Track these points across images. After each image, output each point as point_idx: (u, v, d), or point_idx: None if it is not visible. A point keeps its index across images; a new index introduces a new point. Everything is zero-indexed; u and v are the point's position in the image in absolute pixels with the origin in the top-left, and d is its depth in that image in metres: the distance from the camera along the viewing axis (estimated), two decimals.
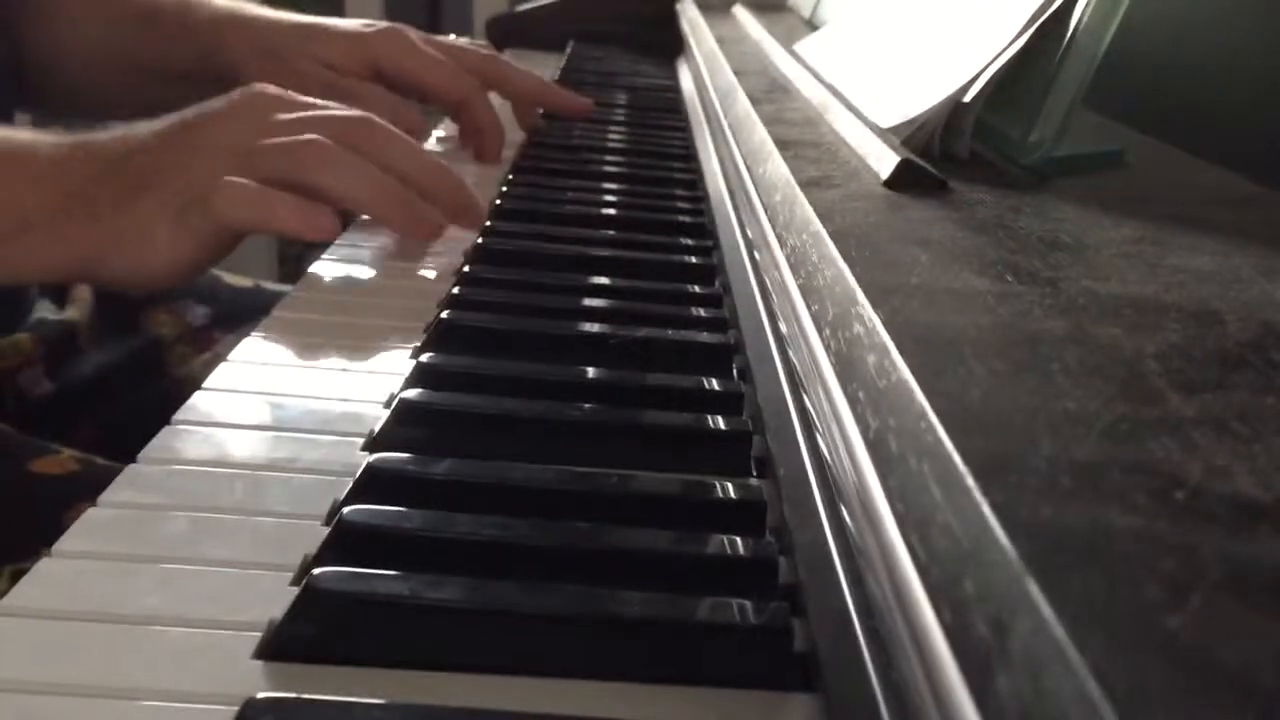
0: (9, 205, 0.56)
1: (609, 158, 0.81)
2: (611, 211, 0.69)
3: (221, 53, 0.80)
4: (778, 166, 0.48)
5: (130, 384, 0.78)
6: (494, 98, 0.83)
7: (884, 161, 0.45)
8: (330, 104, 0.61)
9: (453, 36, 0.92)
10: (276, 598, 0.30)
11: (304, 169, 0.56)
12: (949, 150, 0.48)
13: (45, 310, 0.76)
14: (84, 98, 0.87)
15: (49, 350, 0.74)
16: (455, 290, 0.53)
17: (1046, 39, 0.46)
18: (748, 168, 0.55)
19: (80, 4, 0.84)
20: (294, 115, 0.59)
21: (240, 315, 0.84)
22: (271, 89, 0.61)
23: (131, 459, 0.38)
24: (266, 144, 0.57)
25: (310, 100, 0.61)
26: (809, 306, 0.36)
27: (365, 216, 0.63)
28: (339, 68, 0.78)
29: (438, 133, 0.89)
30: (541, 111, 0.89)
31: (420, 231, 0.60)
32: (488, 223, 0.63)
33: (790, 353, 0.38)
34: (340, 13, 2.05)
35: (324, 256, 0.61)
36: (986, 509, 0.20)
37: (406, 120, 0.71)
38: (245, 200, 0.55)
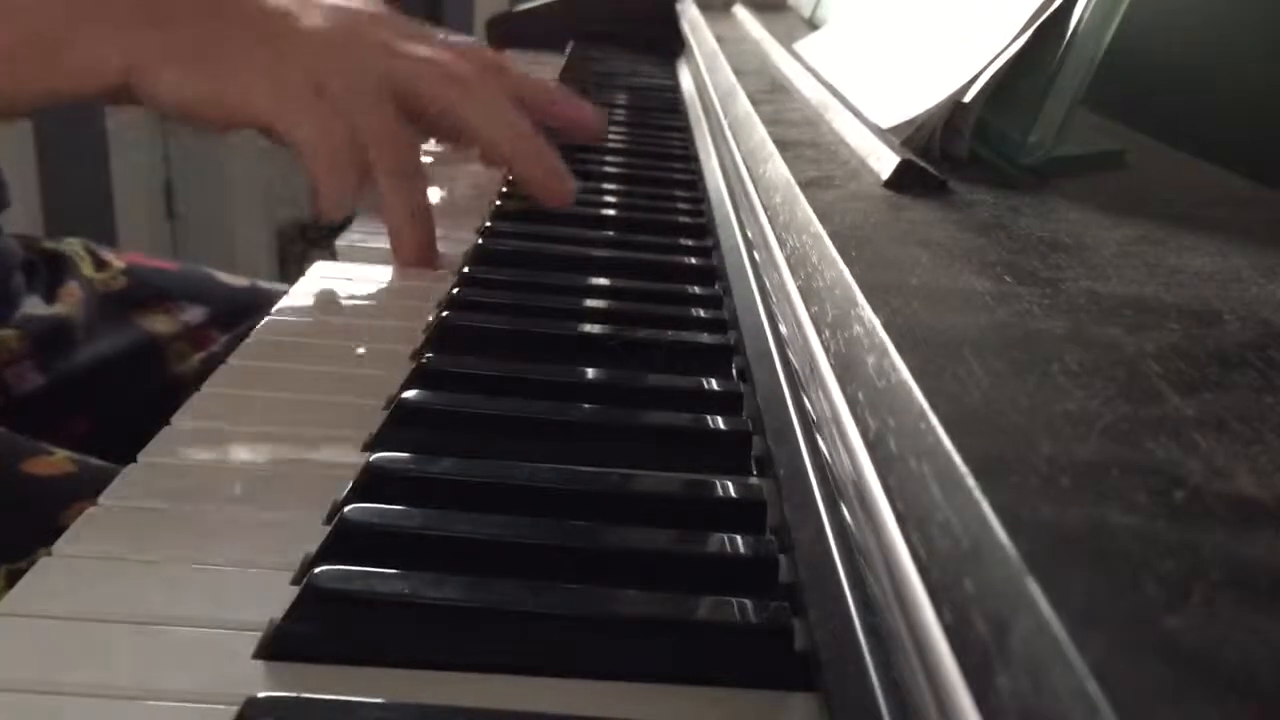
0: (66, 3, 0.55)
1: (609, 158, 0.81)
2: (611, 212, 0.69)
3: None
4: (778, 166, 0.48)
5: (126, 382, 0.77)
6: None
7: (884, 162, 0.45)
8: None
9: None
10: (277, 597, 0.30)
11: (446, 92, 0.57)
12: (949, 150, 0.48)
13: (33, 306, 0.76)
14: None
15: (40, 345, 0.73)
16: (455, 290, 0.53)
17: (1046, 39, 0.46)
18: (748, 168, 0.55)
19: None
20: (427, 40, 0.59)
21: (237, 314, 0.83)
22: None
23: (126, 457, 0.38)
24: (413, 50, 0.57)
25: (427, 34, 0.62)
26: (809, 307, 0.36)
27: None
28: None
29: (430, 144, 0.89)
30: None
31: (556, 195, 0.62)
32: (488, 223, 0.63)
33: (790, 353, 0.38)
34: None
35: (325, 256, 0.61)
36: (986, 508, 0.20)
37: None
38: (308, 131, 0.55)
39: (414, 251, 0.59)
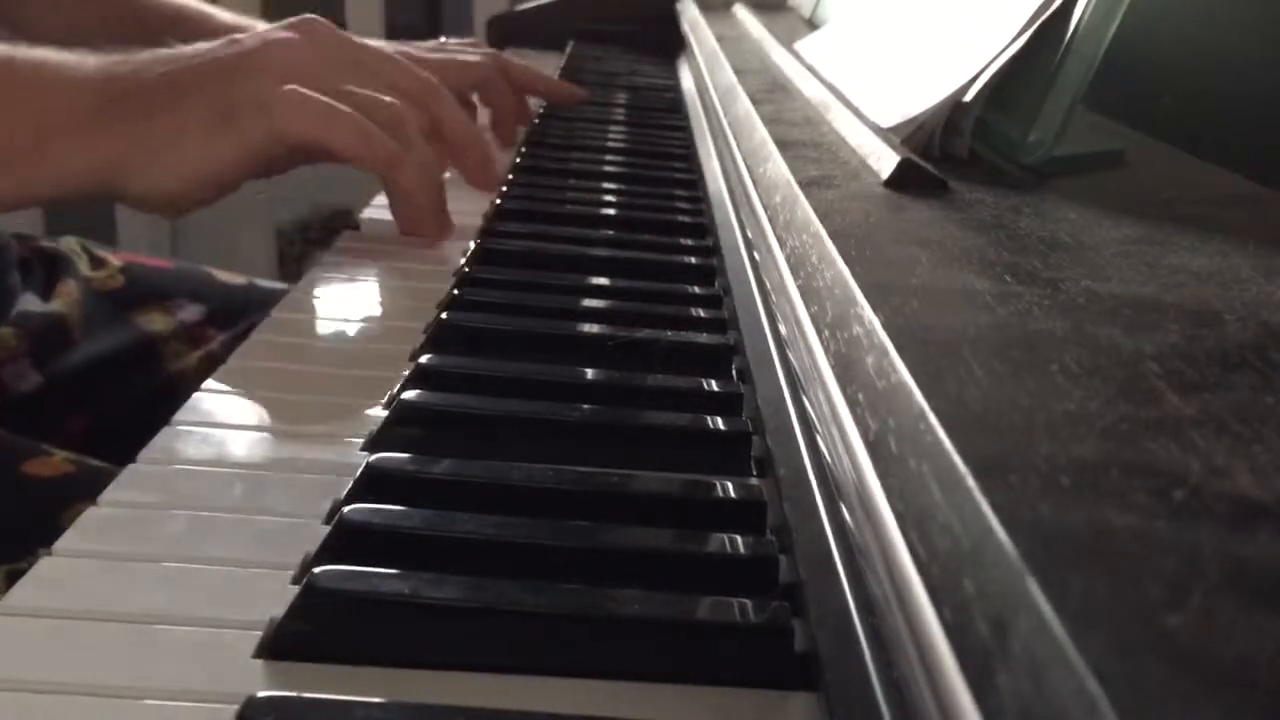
0: (40, 113, 0.56)
1: (609, 158, 0.81)
2: (611, 211, 0.69)
3: None
4: (778, 166, 0.48)
5: (123, 381, 0.77)
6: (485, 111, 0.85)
7: (884, 161, 0.45)
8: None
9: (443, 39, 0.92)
10: (277, 597, 0.30)
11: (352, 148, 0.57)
12: (949, 150, 0.48)
13: (29, 303, 0.76)
14: None
15: (36, 343, 0.73)
16: (455, 290, 0.53)
17: (1046, 39, 0.46)
18: (748, 168, 0.55)
19: (59, 13, 0.84)
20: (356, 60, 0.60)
21: (234, 313, 0.83)
22: (322, 20, 0.62)
23: (124, 456, 0.38)
24: (340, 88, 0.57)
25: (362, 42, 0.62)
26: (808, 307, 0.36)
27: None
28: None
29: None
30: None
31: (432, 229, 0.62)
32: (488, 223, 0.63)
33: (790, 354, 0.38)
34: (342, 12, 2.06)
35: (325, 255, 0.61)
36: (986, 509, 0.20)
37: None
38: (309, 111, 0.55)
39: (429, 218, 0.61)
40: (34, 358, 0.73)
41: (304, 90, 0.56)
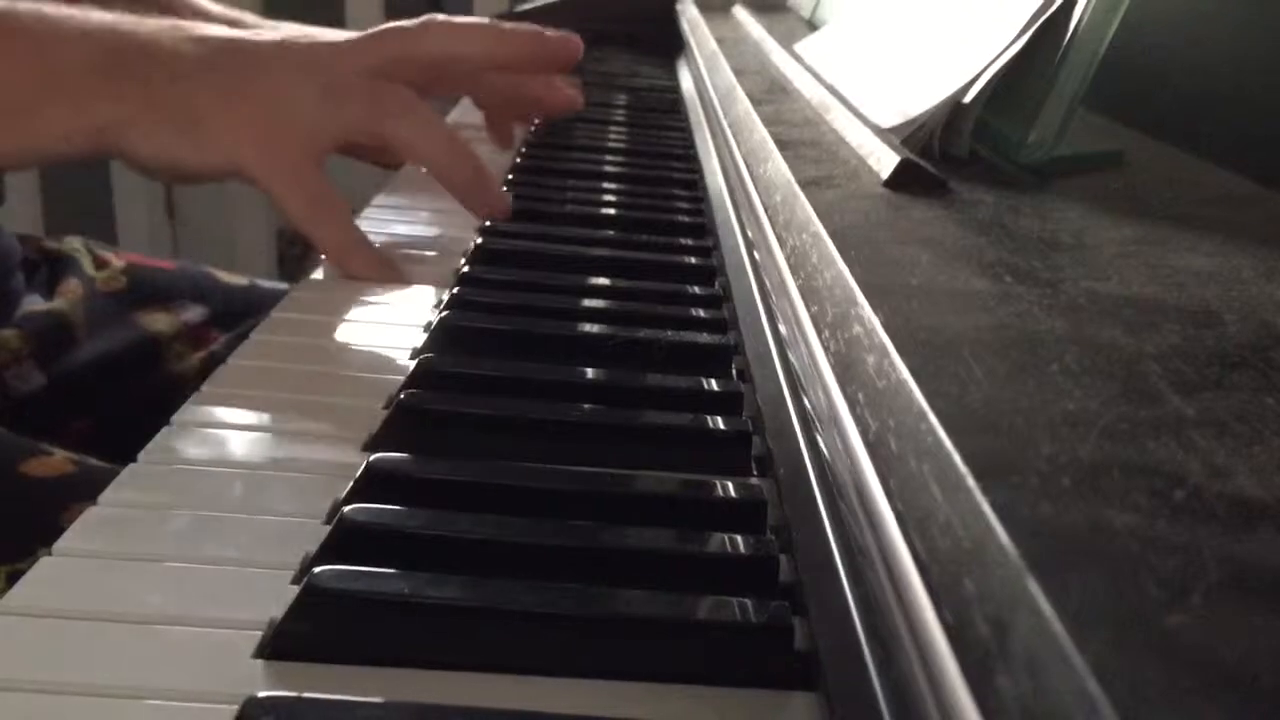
0: (40, 64, 0.55)
1: (609, 158, 0.82)
2: (611, 211, 0.69)
3: None
4: (778, 166, 0.48)
5: (125, 381, 0.77)
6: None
7: (884, 161, 0.45)
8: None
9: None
10: (277, 596, 0.30)
11: (387, 114, 0.58)
12: (949, 150, 0.48)
13: (32, 303, 0.76)
14: None
15: (40, 343, 0.73)
16: (455, 290, 0.53)
17: (1046, 39, 0.46)
18: (748, 167, 0.55)
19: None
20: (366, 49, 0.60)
21: (236, 313, 0.83)
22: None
23: (126, 457, 0.38)
24: (351, 81, 0.58)
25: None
26: (809, 307, 0.36)
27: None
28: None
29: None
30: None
31: (485, 203, 0.62)
32: (487, 223, 0.63)
33: (790, 353, 0.38)
34: (341, 13, 2.06)
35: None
36: (987, 509, 0.20)
37: None
38: (416, 115, 0.58)
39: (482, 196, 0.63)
40: (38, 359, 0.73)
41: (380, 83, 0.58)
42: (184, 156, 0.56)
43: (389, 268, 0.59)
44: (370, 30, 0.62)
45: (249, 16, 0.84)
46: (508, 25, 0.66)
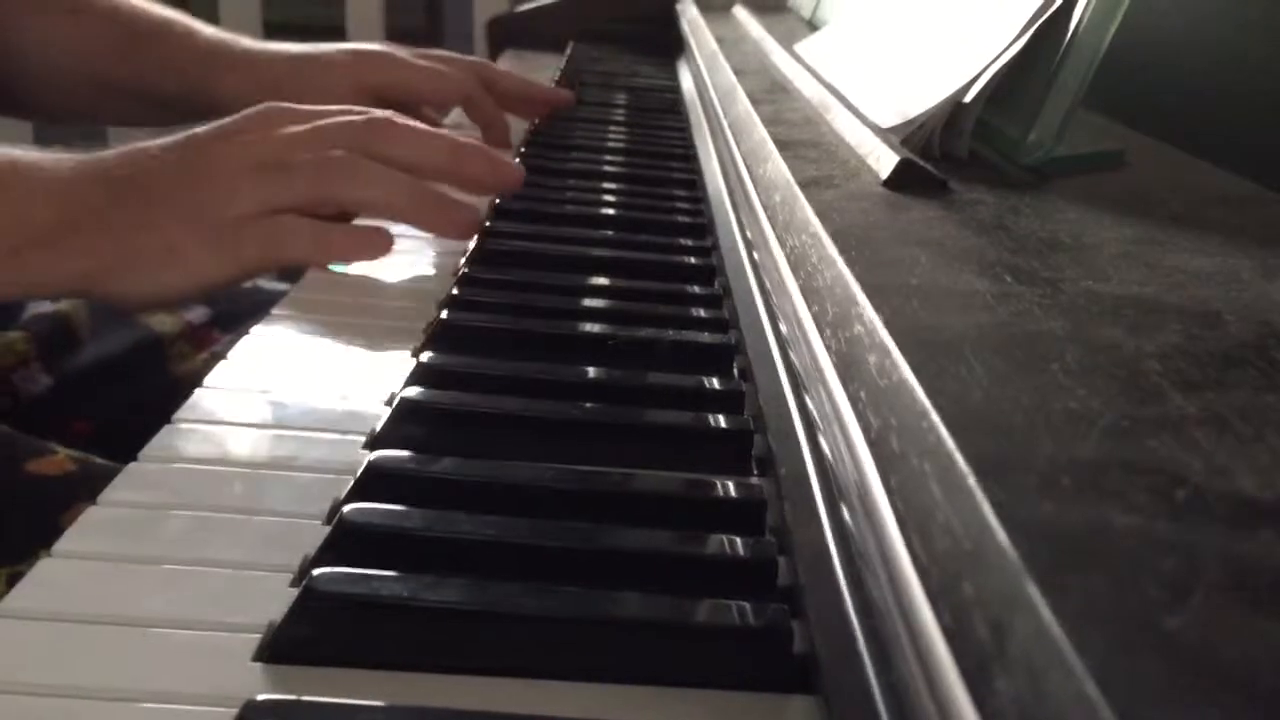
0: (14, 221, 0.56)
1: (609, 158, 0.81)
2: (611, 211, 0.69)
3: (215, 89, 0.81)
4: (777, 166, 0.48)
5: (129, 381, 0.77)
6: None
7: (884, 161, 0.45)
8: (341, 109, 0.61)
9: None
10: (276, 599, 0.30)
11: (334, 185, 0.57)
12: (949, 150, 0.48)
13: (36, 304, 0.76)
14: (66, 113, 0.88)
15: (45, 344, 0.73)
16: (455, 290, 0.53)
17: (1046, 39, 0.46)
18: (748, 168, 0.55)
19: (47, 22, 0.84)
20: (308, 126, 0.59)
21: (240, 314, 0.83)
22: (279, 104, 0.61)
23: (129, 457, 0.38)
24: (294, 161, 0.57)
25: (320, 109, 0.61)
26: (809, 307, 0.36)
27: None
28: (341, 97, 0.77)
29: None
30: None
31: (459, 231, 0.61)
32: (487, 223, 0.63)
33: (791, 353, 0.38)
34: (341, 13, 2.06)
35: None
36: (987, 509, 0.20)
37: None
38: (307, 237, 0.57)
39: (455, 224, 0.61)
40: (44, 360, 0.73)
41: (296, 219, 0.56)
42: (156, 293, 0.57)
43: (369, 241, 0.58)
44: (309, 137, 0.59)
45: (243, 40, 0.84)
46: (461, 138, 0.64)
